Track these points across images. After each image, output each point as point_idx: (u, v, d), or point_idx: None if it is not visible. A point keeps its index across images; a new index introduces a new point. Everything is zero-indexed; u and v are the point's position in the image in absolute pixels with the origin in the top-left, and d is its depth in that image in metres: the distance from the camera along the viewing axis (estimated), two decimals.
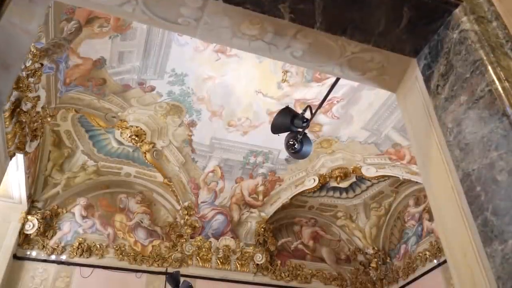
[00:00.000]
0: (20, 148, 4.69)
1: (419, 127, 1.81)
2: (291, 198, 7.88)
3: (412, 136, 1.92)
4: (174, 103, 6.48)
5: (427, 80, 1.73)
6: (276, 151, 7.37)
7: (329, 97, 6.72)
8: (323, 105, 6.80)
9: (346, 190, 8.09)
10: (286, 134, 3.63)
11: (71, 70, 5.35)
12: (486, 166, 1.44)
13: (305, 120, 2.89)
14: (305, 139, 3.03)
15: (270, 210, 7.88)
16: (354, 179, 7.72)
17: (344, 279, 7.97)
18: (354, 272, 8.10)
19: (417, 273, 7.17)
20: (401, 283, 7.55)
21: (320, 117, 6.85)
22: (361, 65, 1.85)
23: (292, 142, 2.99)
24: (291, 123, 2.90)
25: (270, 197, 7.86)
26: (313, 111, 2.98)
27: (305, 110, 2.94)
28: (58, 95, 5.42)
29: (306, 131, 3.10)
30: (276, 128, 3.01)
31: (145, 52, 5.61)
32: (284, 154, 7.48)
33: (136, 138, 6.70)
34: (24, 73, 4.04)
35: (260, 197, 7.79)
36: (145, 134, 6.75)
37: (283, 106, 3.64)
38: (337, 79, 2.85)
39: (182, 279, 5.47)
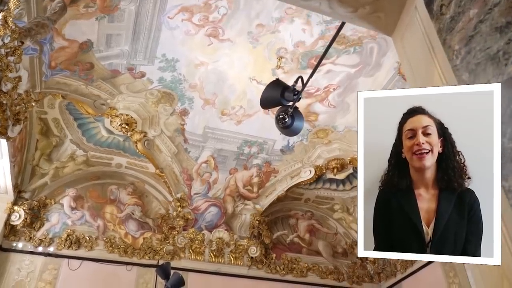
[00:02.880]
0: (2, 132, 4.49)
1: (419, 65, 1.56)
2: (287, 190, 7.70)
3: (412, 80, 1.68)
4: (165, 91, 6.28)
5: (428, 3, 1.49)
6: (271, 141, 7.19)
7: (325, 85, 6.66)
8: (319, 92, 6.74)
9: (343, 182, 7.89)
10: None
11: (56, 53, 5.14)
12: (503, 84, 1.20)
13: (296, 92, 2.69)
14: (296, 114, 2.83)
15: (265, 202, 7.70)
16: (351, 171, 7.51)
17: (341, 273, 7.79)
18: (351, 266, 7.92)
19: (415, 267, 6.96)
20: (399, 276, 7.36)
21: (316, 106, 6.68)
22: None
23: (282, 116, 2.80)
24: (281, 96, 2.71)
25: (265, 189, 7.68)
26: (305, 81, 2.79)
27: (296, 82, 2.75)
28: (43, 79, 5.21)
29: (298, 105, 2.90)
30: (265, 102, 2.82)
31: (134, 36, 5.41)
32: (280, 144, 7.30)
33: (127, 127, 6.49)
34: (2, 51, 3.83)
35: (255, 189, 7.60)
36: (135, 123, 6.54)
37: None
38: (342, 24, 2.61)
39: (172, 271, 5.28)
